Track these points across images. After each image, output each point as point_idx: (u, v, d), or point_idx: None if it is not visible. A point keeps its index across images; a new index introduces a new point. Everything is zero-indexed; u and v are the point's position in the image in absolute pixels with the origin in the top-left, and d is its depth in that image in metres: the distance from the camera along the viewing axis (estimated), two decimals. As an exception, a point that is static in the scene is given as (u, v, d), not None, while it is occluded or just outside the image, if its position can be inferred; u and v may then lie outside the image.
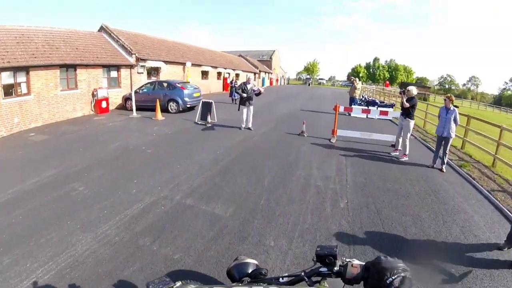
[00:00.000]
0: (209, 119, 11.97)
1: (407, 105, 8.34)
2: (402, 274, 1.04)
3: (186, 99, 14.88)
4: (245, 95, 10.83)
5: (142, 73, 19.22)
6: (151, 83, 16.02)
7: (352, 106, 16.71)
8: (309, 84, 70.69)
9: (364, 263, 1.16)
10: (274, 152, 8.57)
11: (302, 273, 1.24)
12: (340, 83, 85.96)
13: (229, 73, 32.80)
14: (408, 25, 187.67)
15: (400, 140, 8.83)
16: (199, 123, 12.21)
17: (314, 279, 1.24)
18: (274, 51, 63.24)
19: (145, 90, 15.74)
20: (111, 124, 11.96)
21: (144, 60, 19.32)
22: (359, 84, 16.84)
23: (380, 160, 8.48)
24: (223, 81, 32.02)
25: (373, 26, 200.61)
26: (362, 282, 1.14)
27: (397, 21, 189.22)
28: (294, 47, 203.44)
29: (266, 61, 59.30)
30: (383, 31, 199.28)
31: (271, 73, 57.69)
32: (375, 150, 9.39)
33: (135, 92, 15.58)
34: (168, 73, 22.49)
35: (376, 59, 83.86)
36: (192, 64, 25.52)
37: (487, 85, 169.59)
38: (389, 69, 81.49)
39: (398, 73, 78.90)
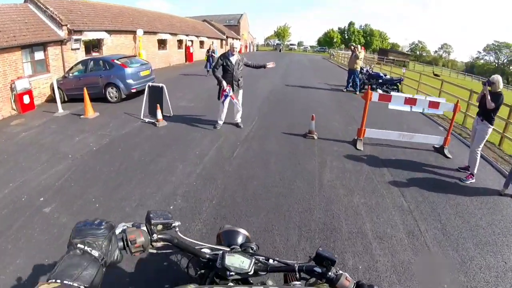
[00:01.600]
0: (159, 115, 7.74)
1: (493, 105, 5.03)
2: None
3: (130, 81, 10.50)
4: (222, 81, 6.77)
5: (78, 49, 14.71)
6: (83, 63, 11.38)
7: (379, 90, 13.06)
8: (280, 50, 66.80)
9: (356, 281, 1.10)
10: (278, 196, 4.46)
11: (295, 264, 1.18)
12: (315, 48, 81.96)
13: (192, 41, 27.86)
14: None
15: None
16: (146, 121, 8.01)
17: (303, 275, 1.18)
18: (242, 15, 57.66)
19: (76, 74, 11.15)
20: (23, 135, 7.44)
21: (80, 32, 14.76)
22: (361, 53, 13.03)
23: (445, 186, 5.07)
24: (185, 50, 27.12)
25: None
26: None
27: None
28: (260, 12, 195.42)
29: (233, 26, 53.90)
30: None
31: (239, 39, 52.54)
32: (427, 164, 5.97)
33: (64, 77, 11.31)
34: (114, 46, 17.81)
35: (351, 24, 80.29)
36: (146, 32, 20.62)
37: (459, 53, 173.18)
38: (365, 34, 78.45)
39: (373, 38, 76.13)
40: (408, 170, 5.52)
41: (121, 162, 5.51)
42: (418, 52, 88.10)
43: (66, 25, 13.90)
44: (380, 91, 13.10)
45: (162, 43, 23.36)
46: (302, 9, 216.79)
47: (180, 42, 26.34)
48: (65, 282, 0.75)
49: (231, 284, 1.18)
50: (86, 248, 0.86)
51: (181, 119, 8.09)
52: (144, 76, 11.15)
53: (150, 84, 8.17)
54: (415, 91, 13.84)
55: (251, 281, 1.25)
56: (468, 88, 10.25)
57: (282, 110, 9.43)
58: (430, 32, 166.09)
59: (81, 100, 9.90)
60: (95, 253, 0.87)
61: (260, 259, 1.24)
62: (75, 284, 0.76)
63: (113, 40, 17.64)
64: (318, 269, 1.14)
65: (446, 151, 6.44)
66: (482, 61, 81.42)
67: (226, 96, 6.77)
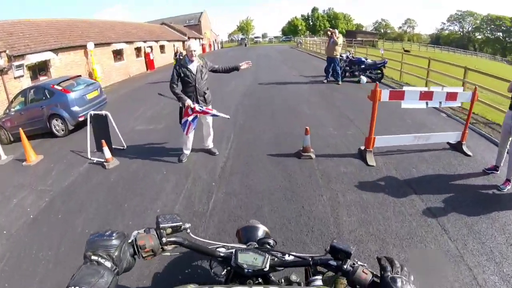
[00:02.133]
0: (107, 154, 5.86)
1: None
2: None
3: (75, 108, 8.64)
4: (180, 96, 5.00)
5: (22, 76, 12.88)
6: (22, 94, 9.43)
7: (363, 77, 11.85)
8: (245, 45, 65.26)
9: (373, 273, 1.02)
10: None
11: (310, 258, 1.15)
12: (280, 39, 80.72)
13: (151, 47, 25.78)
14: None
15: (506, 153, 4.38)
16: (95, 161, 6.19)
17: (319, 269, 1.17)
18: (202, 13, 55.50)
19: (17, 108, 9.29)
20: None
21: (22, 56, 12.78)
22: (340, 38, 11.60)
23: (484, 201, 3.89)
24: (145, 58, 25.04)
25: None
26: None
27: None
28: (220, 8, 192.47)
29: (194, 25, 51.71)
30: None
31: (202, 39, 50.45)
32: (450, 169, 4.78)
33: (6, 114, 9.56)
34: (64, 65, 15.86)
35: (315, 9, 79.53)
36: (98, 44, 18.66)
37: (423, 26, 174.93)
38: (329, 19, 77.82)
39: (338, 21, 75.52)
40: (436, 186, 4.26)
41: (61, 238, 3.79)
42: (382, 30, 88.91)
43: (5, 51, 12.03)
44: (364, 77, 11.86)
45: (118, 54, 21.33)
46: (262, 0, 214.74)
47: (138, 50, 24.31)
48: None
49: (231, 284, 1.18)
50: (99, 259, 0.94)
51: (137, 152, 6.36)
52: (93, 98, 9.32)
53: (92, 113, 6.41)
54: (399, 73, 12.68)
55: (272, 277, 1.23)
56: (462, 66, 9.50)
57: (261, 117, 7.86)
58: (390, 8, 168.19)
59: (29, 138, 8.09)
60: (108, 264, 0.94)
61: (277, 255, 1.21)
62: None
63: (61, 59, 15.65)
64: (333, 262, 1.09)
65: (464, 148, 5.33)
66: (447, 31, 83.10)
67: (194, 119, 5.05)
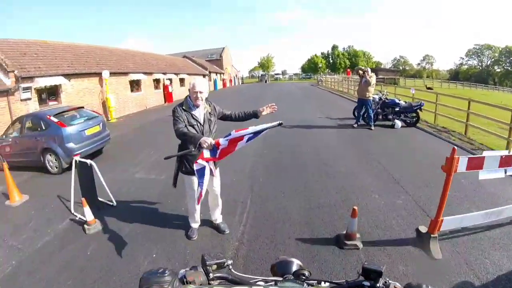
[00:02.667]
0: (88, 215, 4.55)
1: None
2: None
3: (70, 144, 7.54)
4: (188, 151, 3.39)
5: (30, 99, 12.17)
6: (20, 121, 8.54)
7: (397, 121, 10.39)
8: (265, 81, 65.54)
9: (404, 286, 1.08)
10: None
11: (345, 282, 1.20)
12: (300, 76, 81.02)
13: (170, 79, 25.33)
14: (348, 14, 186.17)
15: None
16: (77, 218, 4.93)
17: None
18: (223, 48, 56.19)
19: (14, 135, 8.40)
20: None
21: (31, 78, 12.14)
22: (373, 78, 10.35)
23: None
24: (163, 90, 24.49)
25: (316, 17, 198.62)
26: None
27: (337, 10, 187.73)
28: (241, 46, 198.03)
29: (215, 60, 52.16)
30: (327, 21, 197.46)
31: (223, 73, 50.53)
32: None
33: (1, 139, 8.68)
34: (76, 92, 15.14)
35: (334, 47, 79.77)
36: (115, 73, 18.05)
37: (440, 62, 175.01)
38: (349, 56, 77.72)
39: (358, 59, 75.23)
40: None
41: None
42: (401, 67, 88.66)
43: (13, 71, 11.33)
44: (399, 122, 10.46)
45: (135, 84, 20.73)
46: (281, 37, 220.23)
47: (157, 81, 23.79)
48: None
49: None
50: None
51: (127, 213, 5.02)
52: (92, 134, 8.23)
53: (78, 159, 5.19)
54: (433, 116, 11.25)
55: None
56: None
57: (286, 176, 6.28)
58: (408, 45, 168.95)
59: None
60: None
61: (314, 284, 1.24)
62: None
63: (73, 85, 14.94)
64: (366, 283, 1.14)
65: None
66: (465, 66, 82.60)
67: (202, 174, 3.09)
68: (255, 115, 3.71)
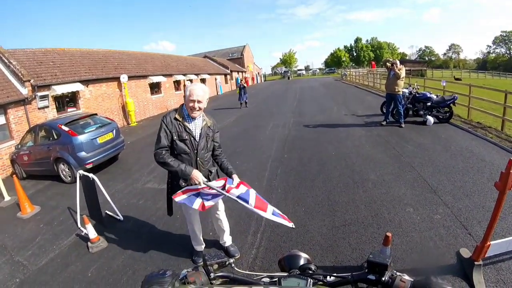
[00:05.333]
0: (91, 233, 4.26)
1: None
2: None
3: (83, 154, 7.33)
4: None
5: (47, 107, 12.21)
6: (34, 130, 8.50)
7: (429, 117, 9.45)
8: (288, 78, 64.18)
9: (412, 280, 1.04)
10: None
11: (350, 276, 1.17)
12: (323, 71, 79.43)
13: (190, 80, 25.12)
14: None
15: None
16: (83, 233, 4.60)
17: (360, 285, 1.15)
18: (244, 46, 55.82)
19: (29, 144, 8.49)
20: None
21: (48, 86, 12.19)
22: (402, 71, 9.50)
23: None
24: (184, 91, 24.23)
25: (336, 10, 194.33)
26: None
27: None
28: (263, 44, 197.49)
29: (237, 59, 51.89)
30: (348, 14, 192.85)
31: (245, 72, 50.04)
32: None
33: (18, 149, 8.92)
34: (94, 97, 15.16)
35: (358, 40, 77.47)
36: (134, 77, 17.98)
37: (467, 51, 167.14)
38: (373, 49, 75.27)
39: (383, 51, 72.81)
40: None
41: None
42: (427, 58, 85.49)
43: (29, 80, 11.40)
44: (431, 118, 9.55)
45: (155, 87, 20.67)
46: (304, 33, 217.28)
47: (177, 83, 23.63)
48: None
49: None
50: None
51: (134, 230, 4.68)
52: (105, 142, 7.98)
53: (81, 173, 4.84)
54: (467, 110, 10.24)
55: None
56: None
57: (307, 185, 5.64)
58: (431, 34, 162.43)
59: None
60: None
61: (319, 278, 1.22)
62: None
63: (92, 91, 14.94)
64: (371, 277, 1.12)
65: None
66: (493, 55, 79.06)
67: (194, 198, 2.78)
68: (228, 175, 3.12)
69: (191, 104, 2.87)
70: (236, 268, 1.26)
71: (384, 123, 9.96)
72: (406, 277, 1.06)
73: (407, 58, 78.02)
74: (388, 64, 9.79)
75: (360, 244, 3.63)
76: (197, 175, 2.73)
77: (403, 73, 9.38)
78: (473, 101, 10.35)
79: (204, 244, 3.68)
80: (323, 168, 6.45)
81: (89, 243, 4.32)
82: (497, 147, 6.78)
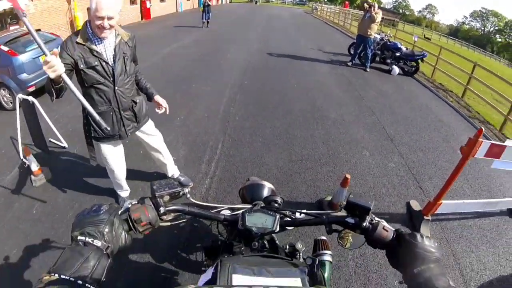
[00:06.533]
0: (33, 165, 3.58)
1: None
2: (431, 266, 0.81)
3: (24, 75, 6.26)
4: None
5: None
6: None
7: (395, 67, 9.37)
8: (256, 2, 59.85)
9: (394, 230, 0.94)
10: None
11: (324, 216, 1.07)
12: (294, 1, 75.51)
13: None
14: None
15: None
16: (27, 165, 3.71)
17: (334, 227, 1.04)
18: (214, -42, 50.54)
19: None
20: None
21: None
22: (379, 15, 9.07)
23: None
24: (141, 6, 20.98)
25: None
26: (384, 251, 0.94)
27: None
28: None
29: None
30: None
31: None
32: None
33: None
34: (40, 12, 12.74)
35: (334, -23, 73.40)
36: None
37: (443, 15, 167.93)
38: (348, -11, 72.58)
39: (356, -6, 70.33)
40: None
41: None
42: (401, 10, 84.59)
43: None
44: (396, 68, 9.53)
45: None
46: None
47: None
48: (62, 276, 0.70)
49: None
50: (86, 239, 0.79)
51: (80, 158, 4.09)
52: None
53: (21, 97, 4.05)
54: (431, 70, 10.30)
55: (277, 241, 1.15)
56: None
57: (266, 115, 5.37)
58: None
59: None
60: (97, 242, 0.79)
61: (286, 213, 1.12)
62: (72, 278, 0.69)
63: (37, 5, 12.61)
64: (351, 220, 1.00)
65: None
66: (467, 26, 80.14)
67: None
68: (149, 97, 2.68)
69: (98, 23, 1.99)
70: (192, 199, 1.11)
71: (349, 63, 9.77)
72: (387, 225, 0.95)
73: (382, 6, 76.66)
74: (366, 5, 9.28)
75: (316, 181, 3.56)
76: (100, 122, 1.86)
77: (379, 17, 8.98)
78: (440, 63, 10.24)
79: (129, 189, 3.19)
80: (284, 99, 6.20)
81: (32, 176, 3.71)
82: (455, 111, 6.92)
